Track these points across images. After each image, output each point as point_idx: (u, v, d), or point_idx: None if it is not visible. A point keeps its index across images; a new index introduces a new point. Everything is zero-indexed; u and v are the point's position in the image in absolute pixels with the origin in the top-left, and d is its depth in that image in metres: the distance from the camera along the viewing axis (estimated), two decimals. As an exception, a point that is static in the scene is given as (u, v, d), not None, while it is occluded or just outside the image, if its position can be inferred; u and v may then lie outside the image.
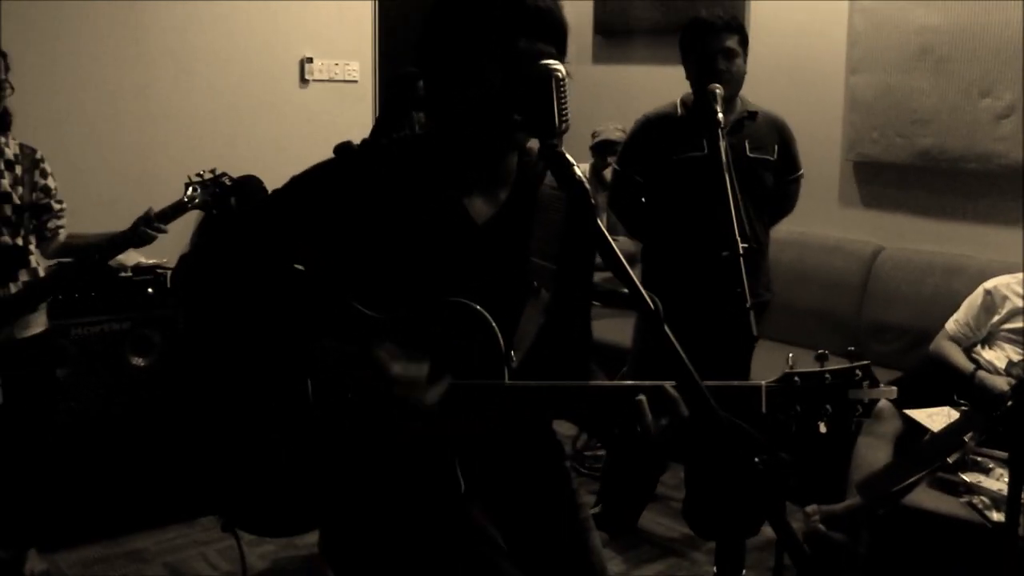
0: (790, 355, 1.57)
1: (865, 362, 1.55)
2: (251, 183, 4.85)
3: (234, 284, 1.66)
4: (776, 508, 1.17)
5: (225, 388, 1.70)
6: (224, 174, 3.52)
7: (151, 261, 4.08)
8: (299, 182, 1.69)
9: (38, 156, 3.39)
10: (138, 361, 3.89)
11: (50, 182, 3.41)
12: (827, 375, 1.54)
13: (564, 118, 1.48)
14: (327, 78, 5.39)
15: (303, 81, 5.33)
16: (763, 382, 1.53)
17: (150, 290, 3.97)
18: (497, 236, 1.70)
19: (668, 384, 1.52)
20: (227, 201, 4.69)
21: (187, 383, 1.69)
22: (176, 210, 3.42)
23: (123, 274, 3.99)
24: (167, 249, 3.86)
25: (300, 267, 1.67)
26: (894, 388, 1.57)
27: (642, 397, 1.53)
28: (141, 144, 4.72)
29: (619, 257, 1.35)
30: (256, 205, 1.76)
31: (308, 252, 1.66)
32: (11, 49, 3.36)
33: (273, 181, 1.75)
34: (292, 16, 5.24)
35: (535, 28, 1.57)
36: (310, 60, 5.32)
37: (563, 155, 1.46)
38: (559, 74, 1.48)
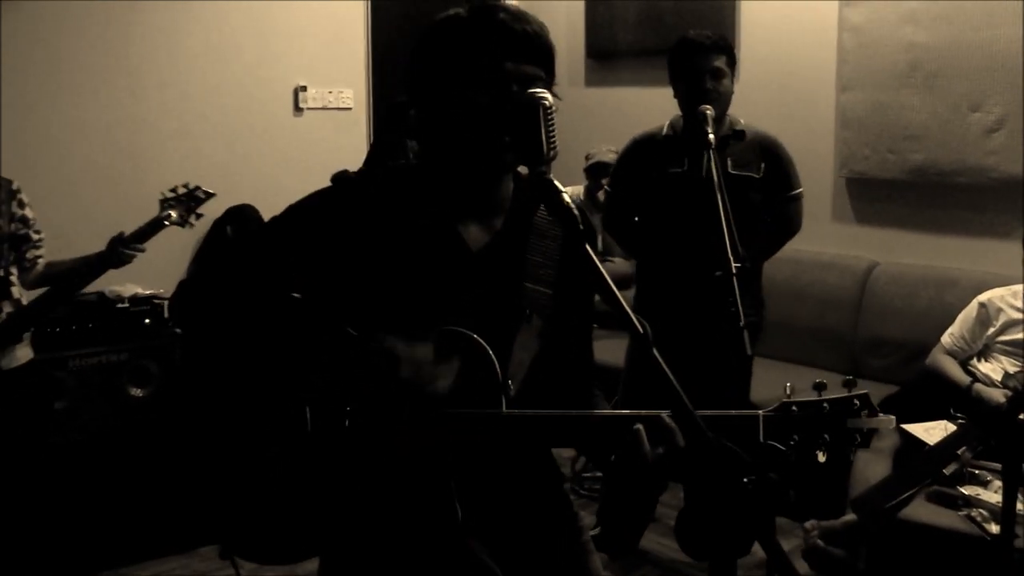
0: (788, 384, 1.57)
1: (863, 392, 1.54)
2: (246, 211, 4.88)
3: (232, 312, 1.67)
4: (765, 528, 1.18)
5: (223, 415, 1.70)
6: (198, 187, 3.50)
7: (148, 292, 4.09)
8: (296, 210, 1.70)
9: (15, 187, 3.37)
10: (136, 392, 3.90)
11: (28, 212, 3.40)
12: (825, 404, 1.53)
13: (552, 145, 1.49)
14: (321, 106, 5.42)
15: (297, 109, 5.36)
16: (761, 412, 1.53)
17: (147, 321, 3.98)
18: (492, 262, 1.71)
19: (665, 413, 1.53)
20: (222, 229, 4.72)
21: (185, 410, 1.70)
22: (152, 227, 3.41)
23: (120, 305, 4.00)
24: (164, 280, 3.87)
25: (297, 295, 1.68)
26: (892, 417, 1.56)
27: (639, 427, 1.53)
28: (135, 173, 4.74)
29: (606, 280, 1.36)
30: (253, 232, 1.77)
31: (305, 280, 1.67)
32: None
33: (268, 209, 1.77)
34: (286, 44, 5.27)
35: (522, 52, 1.58)
36: (304, 88, 5.34)
37: (551, 182, 1.47)
38: (546, 102, 1.50)
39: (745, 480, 1.24)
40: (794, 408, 1.54)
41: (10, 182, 3.38)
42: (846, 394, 1.55)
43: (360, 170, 1.73)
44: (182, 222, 3.48)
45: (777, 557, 1.10)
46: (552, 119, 1.50)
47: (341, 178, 1.74)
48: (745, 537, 1.33)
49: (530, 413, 1.60)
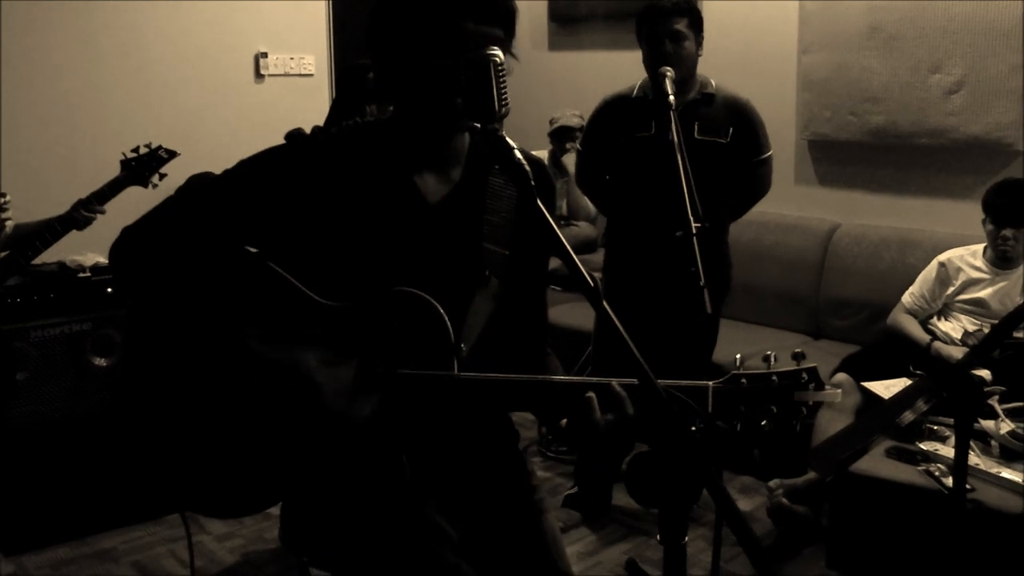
0: (738, 356, 1.59)
1: (812, 365, 1.57)
2: (207, 179, 4.83)
3: (177, 260, 1.65)
4: (713, 475, 1.20)
5: (169, 370, 1.69)
6: (160, 147, 3.46)
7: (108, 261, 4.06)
8: (249, 164, 1.68)
9: None
10: (100, 361, 3.87)
11: None
12: (774, 377, 1.56)
13: (504, 103, 1.49)
14: (282, 72, 5.38)
15: (258, 76, 5.31)
16: (710, 383, 1.55)
17: (109, 290, 3.95)
18: (450, 216, 1.71)
19: (615, 381, 1.54)
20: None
21: (134, 359, 1.66)
22: (112, 187, 3.39)
23: (82, 275, 3.96)
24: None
25: (252, 249, 1.67)
26: (838, 391, 1.59)
27: (591, 395, 1.55)
28: (95, 140, 4.69)
29: (558, 235, 1.37)
30: (204, 184, 1.76)
31: (259, 233, 1.65)
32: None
33: (230, 176, 1.74)
34: (246, 11, 5.22)
35: (483, 12, 1.57)
36: (265, 55, 5.30)
37: (503, 139, 1.47)
38: (496, 59, 1.49)
39: (692, 428, 1.26)
40: (743, 381, 1.56)
41: None
42: (794, 367, 1.57)
43: (314, 128, 1.72)
44: (144, 182, 3.45)
45: (725, 503, 1.12)
46: (503, 77, 1.50)
47: (294, 135, 1.73)
48: (693, 484, 1.34)
49: (482, 377, 1.60)
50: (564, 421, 1.62)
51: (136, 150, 3.46)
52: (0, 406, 3.52)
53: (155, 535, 3.83)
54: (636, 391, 1.51)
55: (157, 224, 1.68)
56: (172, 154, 3.48)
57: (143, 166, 3.43)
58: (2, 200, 3.39)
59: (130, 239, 1.68)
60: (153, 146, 3.46)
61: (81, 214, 3.31)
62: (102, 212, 3.36)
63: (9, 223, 3.42)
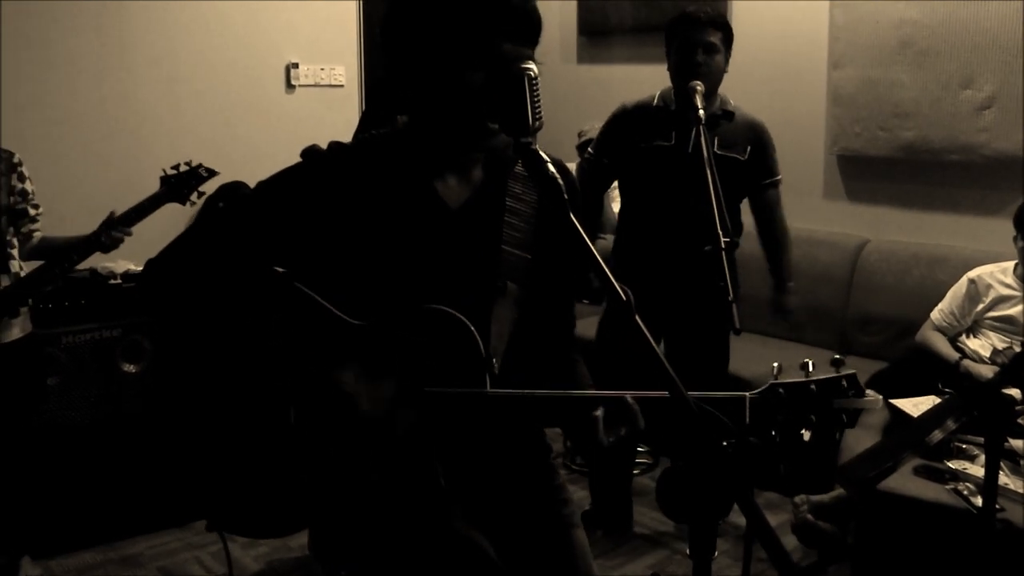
0: (775, 364, 1.57)
1: (851, 372, 1.54)
2: (238, 189, 4.87)
3: (206, 287, 1.65)
4: (745, 491, 1.20)
5: (205, 391, 1.70)
6: (200, 165, 3.49)
7: (140, 268, 4.09)
8: (268, 185, 1.68)
9: (15, 160, 3.37)
10: (129, 368, 3.91)
11: (28, 186, 3.40)
12: (812, 385, 1.54)
13: (537, 116, 1.49)
14: (313, 83, 5.41)
15: (289, 86, 5.35)
16: (747, 393, 1.53)
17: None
18: (471, 220, 1.70)
19: (628, 395, 1.54)
20: (214, 206, 4.71)
21: (169, 385, 1.68)
22: (152, 203, 3.40)
23: (113, 281, 4.00)
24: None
25: (280, 270, 1.67)
26: (879, 397, 1.56)
27: (597, 414, 1.56)
28: (127, 151, 4.73)
29: (591, 249, 1.37)
30: (226, 210, 1.76)
31: (284, 253, 1.65)
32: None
33: (260, 186, 1.75)
34: (277, 21, 5.26)
35: (519, 32, 1.56)
36: (296, 65, 5.33)
37: (536, 152, 1.47)
38: (531, 73, 1.49)
39: (724, 443, 1.26)
40: (781, 390, 1.54)
41: (11, 154, 3.37)
42: (834, 374, 1.55)
43: (331, 143, 1.72)
44: (183, 199, 3.48)
45: (757, 520, 1.11)
46: (537, 90, 1.49)
47: (310, 151, 1.73)
48: (724, 499, 1.33)
49: (515, 393, 1.60)
50: (570, 437, 1.63)
51: (176, 167, 3.48)
52: (30, 410, 3.55)
53: (181, 541, 3.86)
54: (666, 406, 1.50)
55: (182, 255, 1.69)
56: (212, 172, 3.50)
57: (183, 183, 3.45)
58: (34, 212, 3.42)
59: (157, 271, 1.69)
60: (193, 164, 3.48)
61: (109, 235, 3.33)
62: (129, 235, 3.38)
63: (37, 234, 3.45)
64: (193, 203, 3.51)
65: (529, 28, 1.57)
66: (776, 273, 3.81)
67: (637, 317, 1.31)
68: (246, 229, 1.65)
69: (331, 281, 1.65)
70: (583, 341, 3.79)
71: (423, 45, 1.58)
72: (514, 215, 1.72)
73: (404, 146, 1.69)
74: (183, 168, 3.47)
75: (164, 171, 3.47)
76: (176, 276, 1.68)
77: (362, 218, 1.64)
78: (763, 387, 1.54)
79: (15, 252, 3.34)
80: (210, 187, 3.59)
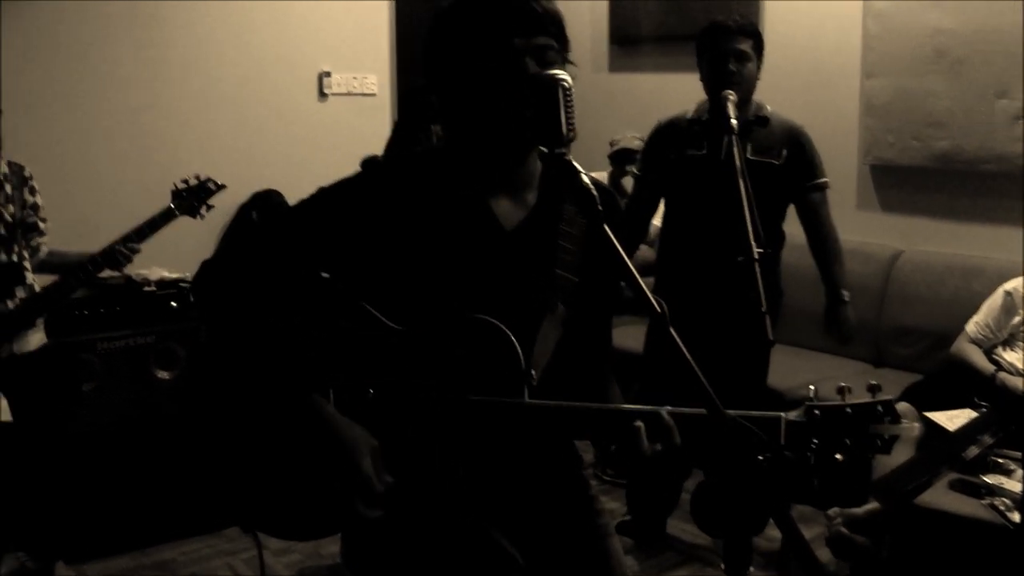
0: (811, 387, 1.55)
1: (888, 398, 1.53)
2: (271, 197, 4.92)
3: (256, 291, 1.67)
4: (781, 506, 1.19)
5: (244, 394, 1.72)
6: (209, 179, 3.53)
7: (174, 275, 4.14)
8: (326, 193, 1.70)
9: (27, 173, 3.42)
10: (163, 374, 3.94)
11: (38, 199, 3.44)
12: (848, 409, 1.52)
13: (571, 127, 1.49)
14: (345, 91, 5.44)
15: (322, 95, 5.38)
16: (783, 414, 1.52)
17: (174, 304, 4.02)
18: (525, 242, 1.70)
19: (665, 410, 1.54)
20: (248, 214, 4.75)
21: (208, 388, 1.69)
22: (163, 218, 3.44)
23: (147, 288, 4.04)
24: (190, 263, 3.89)
25: (326, 275, 1.69)
26: (917, 424, 1.57)
27: (639, 424, 1.55)
28: (160, 160, 4.77)
29: (625, 261, 1.37)
30: (280, 213, 1.77)
31: (334, 261, 1.67)
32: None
33: (293, 194, 1.77)
34: (310, 30, 5.29)
35: (531, 26, 1.57)
36: (328, 74, 5.36)
37: (570, 163, 1.47)
38: (565, 83, 1.49)
39: (760, 458, 1.25)
40: (816, 412, 1.53)
41: (22, 168, 3.41)
42: (870, 399, 1.53)
43: (387, 154, 1.72)
44: (192, 212, 3.51)
45: (792, 535, 1.11)
46: (571, 99, 1.49)
47: (371, 162, 1.75)
48: (759, 514, 1.32)
49: (552, 405, 1.61)
50: (613, 447, 1.62)
51: (186, 181, 3.53)
52: (66, 415, 3.59)
53: (214, 548, 3.88)
54: (703, 421, 1.50)
55: (235, 256, 1.72)
56: (220, 187, 3.55)
57: (193, 196, 3.49)
58: (43, 225, 3.45)
59: (211, 272, 1.72)
60: (202, 177, 3.53)
61: (121, 251, 3.36)
62: (138, 251, 3.41)
63: (44, 248, 3.47)
64: (202, 216, 3.55)
65: (535, 18, 1.58)
66: (827, 282, 3.73)
67: (672, 329, 1.30)
68: (301, 235, 1.67)
69: (378, 291, 1.66)
70: (630, 354, 3.83)
71: (450, 55, 1.62)
72: (566, 239, 1.72)
73: (459, 163, 1.70)
74: (192, 182, 3.52)
75: (175, 185, 3.52)
76: (231, 280, 1.70)
77: (417, 232, 1.65)
78: (799, 408, 1.53)
79: (28, 264, 3.38)
80: (243, 190, 3.62)
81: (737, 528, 1.37)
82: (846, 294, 3.72)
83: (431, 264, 1.65)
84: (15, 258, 3.33)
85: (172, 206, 3.46)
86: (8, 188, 3.35)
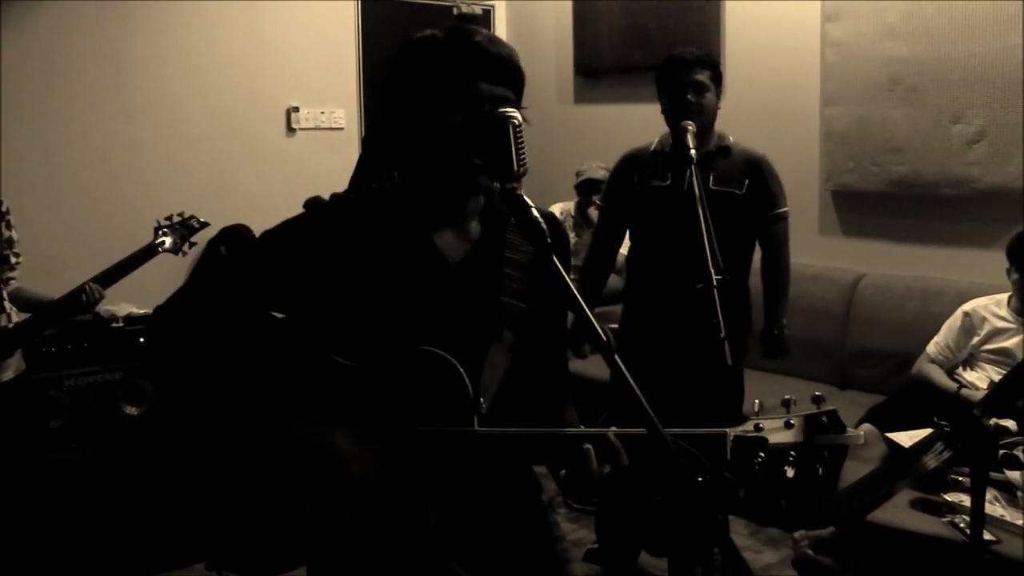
0: (756, 402, 1.59)
1: (831, 408, 1.55)
2: (240, 232, 4.93)
3: (205, 336, 1.70)
4: (720, 526, 1.22)
5: (202, 433, 1.74)
6: (192, 217, 3.54)
7: (142, 311, 4.14)
8: (269, 235, 1.73)
9: (3, 208, 3.41)
10: (131, 410, 3.94)
11: (13, 234, 3.43)
12: (792, 421, 1.54)
13: (522, 162, 1.54)
14: (313, 126, 5.49)
15: (290, 130, 5.42)
16: (729, 430, 1.55)
17: (142, 340, 4.03)
18: (470, 274, 1.74)
19: (611, 431, 1.58)
20: (216, 249, 4.76)
21: (169, 427, 1.72)
22: (146, 253, 3.45)
23: (115, 324, 4.04)
24: (158, 299, 3.88)
25: (278, 315, 1.72)
26: (861, 433, 1.57)
27: (588, 446, 1.58)
28: (129, 193, 4.80)
29: (573, 292, 1.41)
30: (228, 258, 1.80)
31: (283, 301, 1.70)
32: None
33: (262, 229, 1.79)
34: (278, 66, 5.34)
35: (496, 74, 1.62)
36: (296, 109, 5.41)
37: (521, 197, 1.51)
38: (515, 120, 1.54)
39: (700, 479, 1.28)
40: (761, 426, 1.56)
41: (0, 202, 3.42)
42: (814, 411, 1.56)
43: (333, 194, 1.76)
44: (175, 250, 3.52)
45: (732, 555, 1.14)
46: (521, 137, 1.55)
47: (313, 203, 1.78)
48: (703, 536, 1.35)
49: (500, 432, 1.63)
50: (562, 472, 1.65)
51: (170, 218, 3.54)
52: (33, 453, 3.57)
53: (183, 583, 3.86)
54: (646, 443, 1.53)
55: (188, 301, 1.75)
56: (203, 224, 3.56)
57: (176, 234, 3.50)
58: (15, 260, 3.44)
59: (164, 317, 1.75)
60: (186, 215, 3.54)
61: (90, 294, 3.36)
62: (102, 296, 3.41)
63: (13, 283, 3.45)
64: (185, 253, 3.55)
65: (503, 70, 1.63)
66: (768, 310, 3.77)
67: (616, 357, 1.34)
68: (248, 276, 1.70)
69: (327, 327, 1.69)
70: (596, 382, 3.85)
71: (409, 92, 1.65)
72: (512, 266, 1.76)
73: (403, 201, 1.74)
74: (176, 219, 3.53)
75: (158, 222, 3.53)
76: (181, 322, 1.73)
77: (362, 270, 1.69)
78: (744, 424, 1.56)
79: (6, 295, 3.38)
80: (210, 228, 3.64)
81: (679, 548, 1.40)
82: (784, 323, 3.75)
83: (377, 300, 1.68)
84: None
85: (155, 243, 3.47)
86: None
